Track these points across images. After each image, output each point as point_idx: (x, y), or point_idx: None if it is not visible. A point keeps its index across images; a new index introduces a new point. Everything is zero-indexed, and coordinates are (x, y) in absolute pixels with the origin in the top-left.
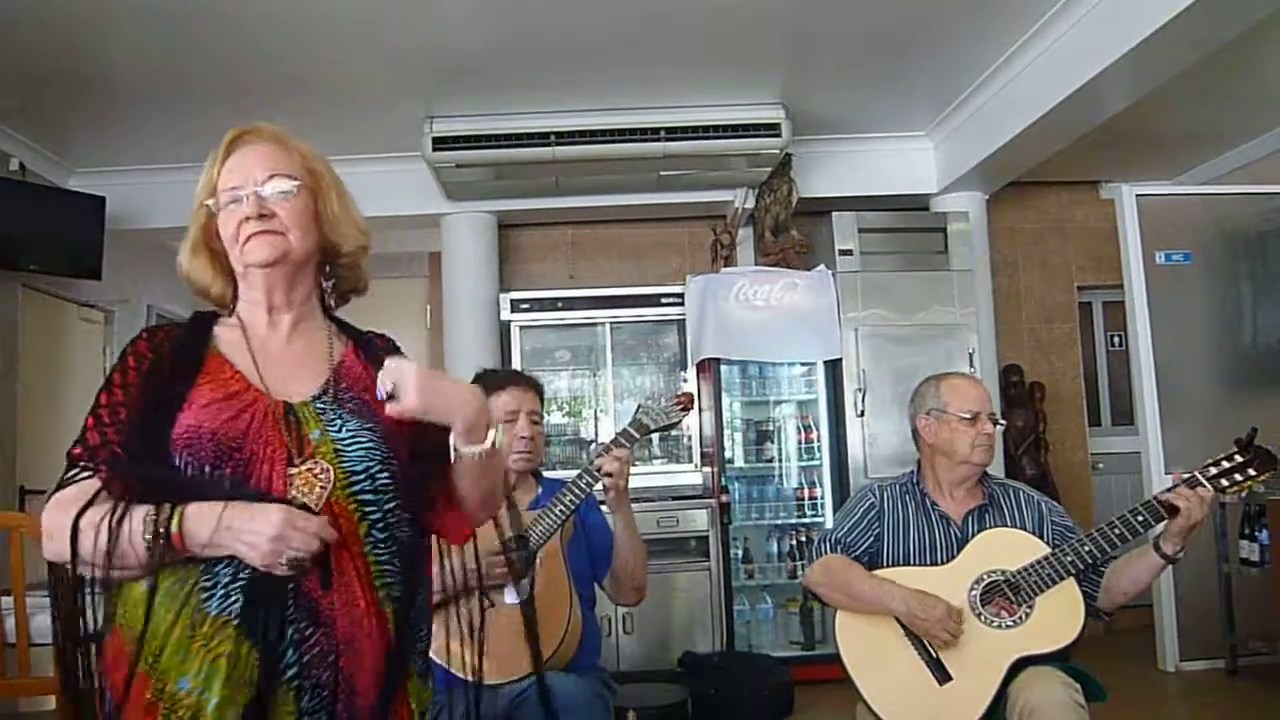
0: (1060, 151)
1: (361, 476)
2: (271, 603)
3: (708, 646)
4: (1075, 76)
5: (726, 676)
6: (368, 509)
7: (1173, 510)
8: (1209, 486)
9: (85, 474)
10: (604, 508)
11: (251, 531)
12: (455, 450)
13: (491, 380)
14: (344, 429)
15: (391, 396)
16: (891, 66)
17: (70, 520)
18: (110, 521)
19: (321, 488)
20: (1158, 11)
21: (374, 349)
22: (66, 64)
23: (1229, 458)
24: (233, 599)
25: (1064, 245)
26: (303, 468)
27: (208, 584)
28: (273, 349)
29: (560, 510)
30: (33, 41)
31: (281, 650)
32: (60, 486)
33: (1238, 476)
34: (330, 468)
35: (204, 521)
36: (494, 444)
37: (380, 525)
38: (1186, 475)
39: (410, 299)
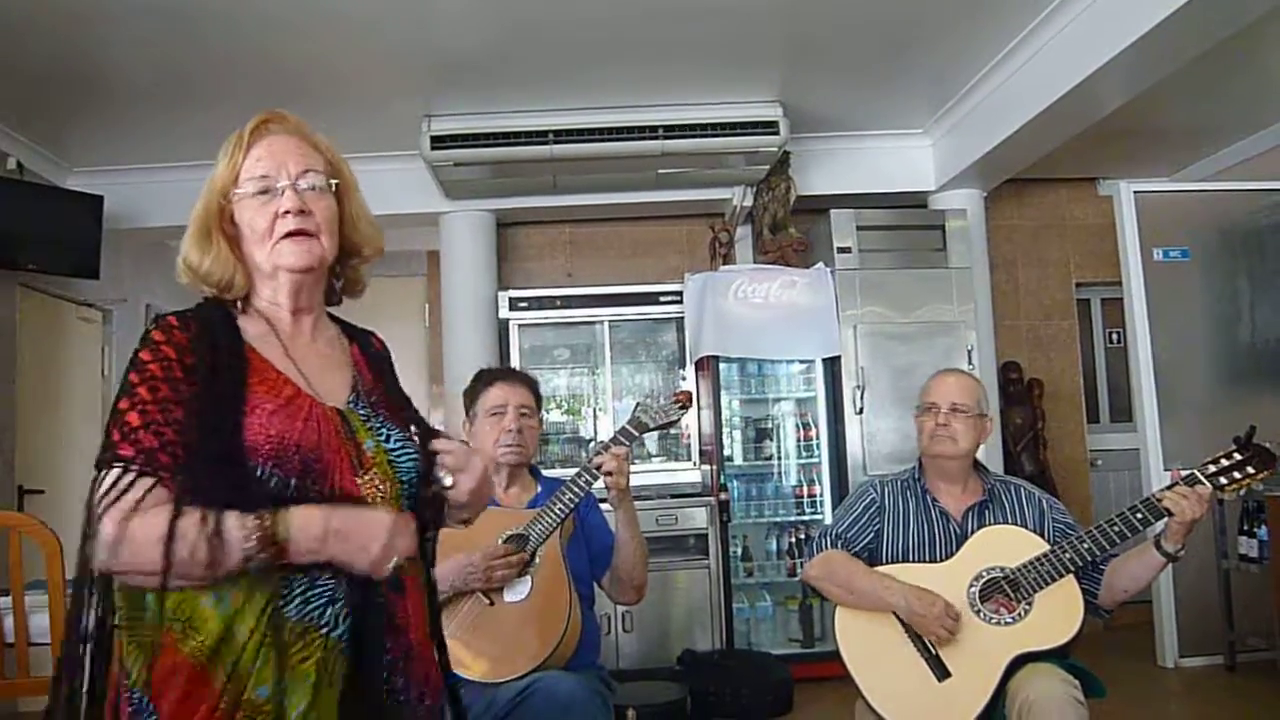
0: (1058, 148)
1: (410, 489)
2: (373, 612)
3: (707, 644)
4: (1073, 73)
5: (726, 674)
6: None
7: (1168, 511)
8: (1207, 484)
9: (144, 479)
10: (605, 506)
11: (364, 537)
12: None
13: (483, 377)
14: (391, 439)
15: (443, 484)
16: (889, 64)
17: (163, 529)
18: (208, 530)
19: (382, 499)
20: (1155, 8)
21: (374, 351)
22: (65, 63)
23: (1228, 455)
24: (313, 605)
25: (1062, 242)
26: (366, 478)
27: (284, 590)
28: (302, 349)
29: (559, 509)
30: (31, 40)
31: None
32: (108, 491)
33: (1236, 475)
34: (387, 480)
35: (311, 528)
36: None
37: (423, 537)
38: (1185, 473)
39: (409, 297)
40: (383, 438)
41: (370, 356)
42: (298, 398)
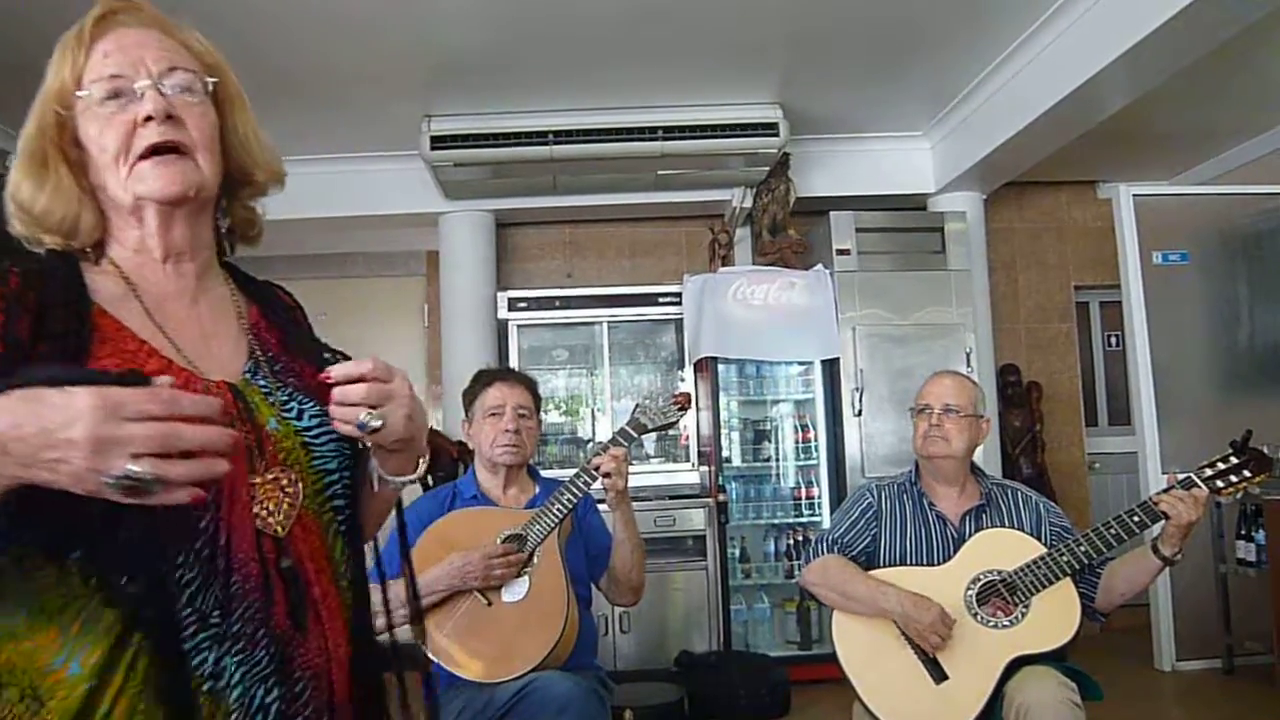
0: (1057, 151)
1: (335, 478)
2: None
3: (704, 646)
4: (1072, 77)
5: (723, 676)
6: (339, 519)
7: (1164, 514)
8: (1203, 488)
9: None
10: (603, 507)
11: (49, 427)
12: (374, 476)
13: (482, 377)
14: (305, 415)
15: (371, 428)
16: (889, 66)
17: None
18: None
19: (290, 504)
20: (1154, 12)
21: (279, 304)
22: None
23: (1224, 459)
24: (203, 653)
25: (1061, 245)
26: (267, 477)
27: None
28: (175, 310)
29: (557, 509)
30: (28, 41)
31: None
32: None
33: (1233, 478)
34: (300, 473)
35: None
36: (423, 470)
37: (350, 538)
38: (1182, 477)
39: (407, 298)
40: (291, 414)
41: (274, 314)
42: (166, 371)
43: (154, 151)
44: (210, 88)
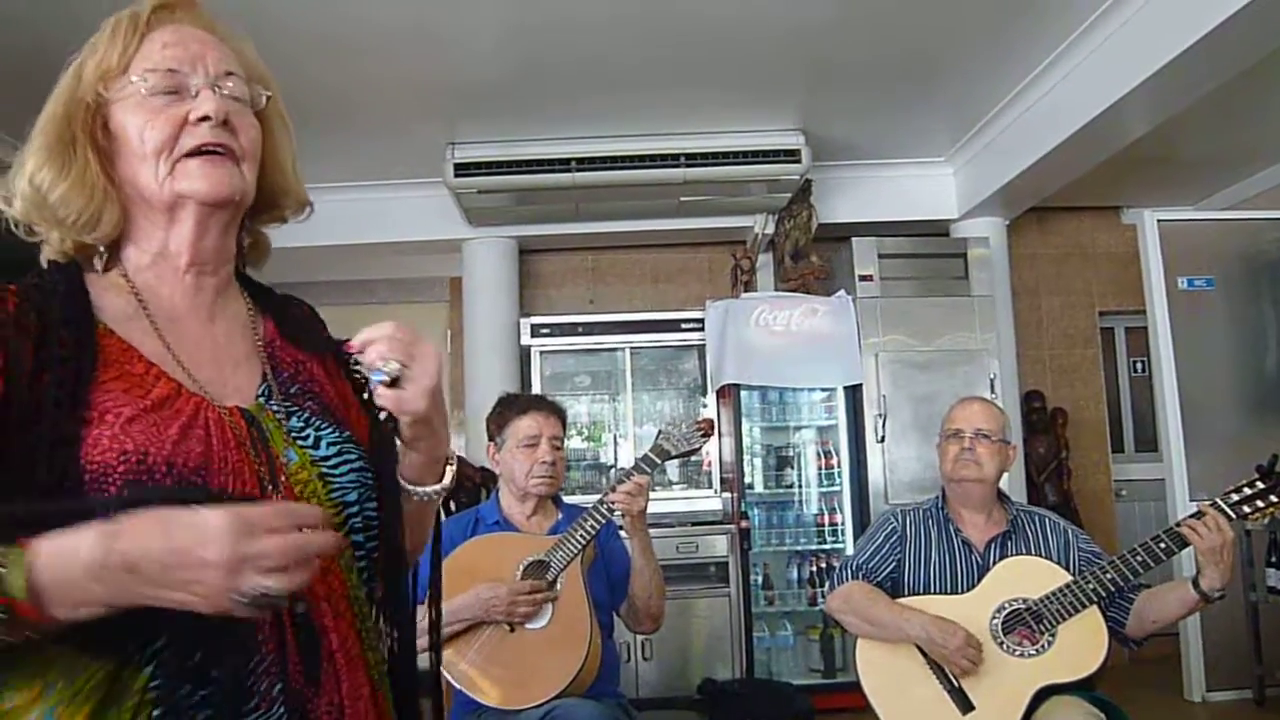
0: (1081, 177)
1: (355, 509)
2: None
3: (727, 673)
4: (1096, 102)
5: (746, 704)
6: (359, 554)
7: (1184, 538)
8: (1231, 514)
9: None
10: (623, 533)
11: (188, 560)
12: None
13: (514, 404)
14: (323, 443)
15: (394, 382)
16: (911, 92)
17: None
18: None
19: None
20: (1179, 37)
21: (300, 317)
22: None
23: (1250, 484)
24: (210, 713)
25: (1085, 271)
26: None
27: (160, 693)
28: (188, 328)
29: (580, 536)
30: (44, 65)
31: None
32: None
33: (1259, 503)
34: (318, 509)
35: (70, 566)
36: (449, 482)
37: (368, 576)
38: (1208, 503)
39: (430, 323)
40: (308, 442)
41: (291, 329)
42: (177, 399)
43: (200, 151)
44: (265, 101)
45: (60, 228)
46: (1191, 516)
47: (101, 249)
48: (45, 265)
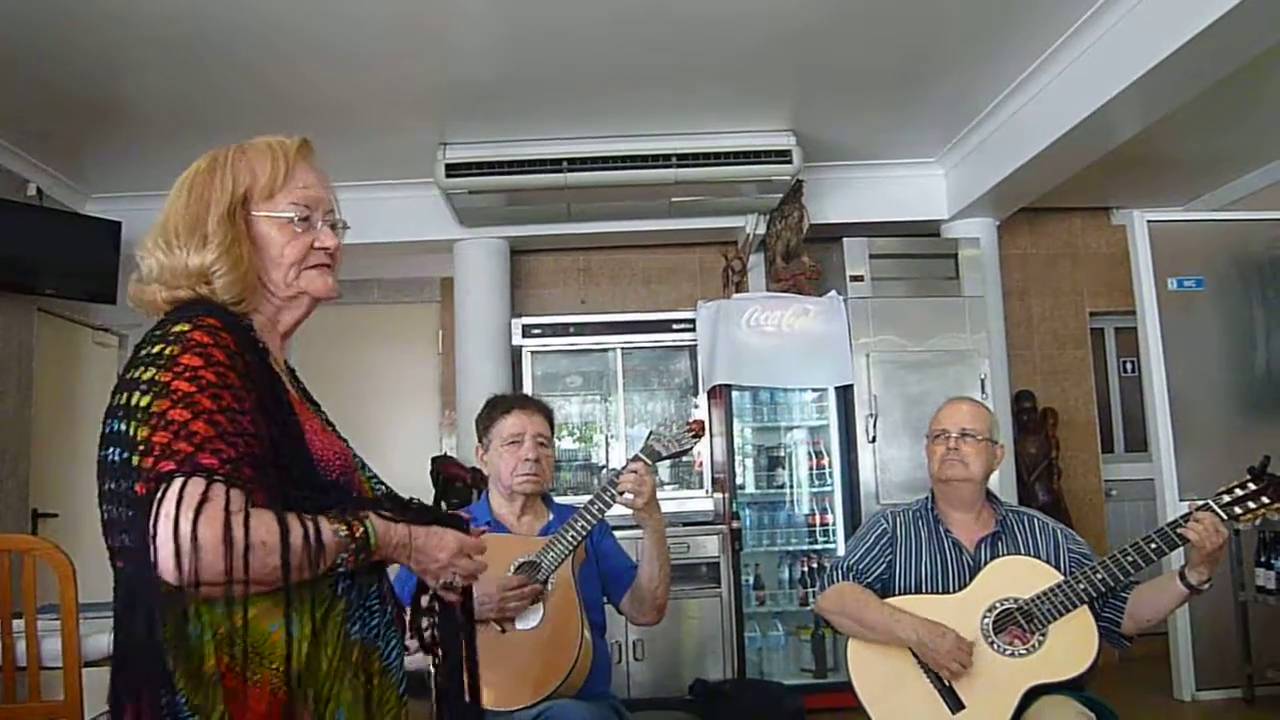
0: (1071, 178)
1: (387, 510)
2: (462, 629)
3: (719, 674)
4: (1086, 103)
5: (737, 704)
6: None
7: (1185, 540)
8: (1223, 515)
9: (235, 489)
10: (636, 532)
11: (436, 549)
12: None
13: (500, 404)
14: (365, 465)
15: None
16: (902, 93)
17: (271, 534)
18: (310, 534)
19: None
20: (1169, 38)
21: (303, 387)
22: (83, 93)
23: (1242, 485)
24: (372, 623)
25: (1075, 271)
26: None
27: (350, 612)
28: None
29: (571, 536)
30: (50, 72)
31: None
32: (202, 500)
33: (1251, 504)
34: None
35: (392, 536)
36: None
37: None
38: (1200, 503)
39: (422, 324)
40: (360, 462)
41: (303, 390)
42: (323, 422)
43: (322, 265)
44: (343, 234)
45: (195, 293)
46: (1184, 518)
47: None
48: (213, 309)
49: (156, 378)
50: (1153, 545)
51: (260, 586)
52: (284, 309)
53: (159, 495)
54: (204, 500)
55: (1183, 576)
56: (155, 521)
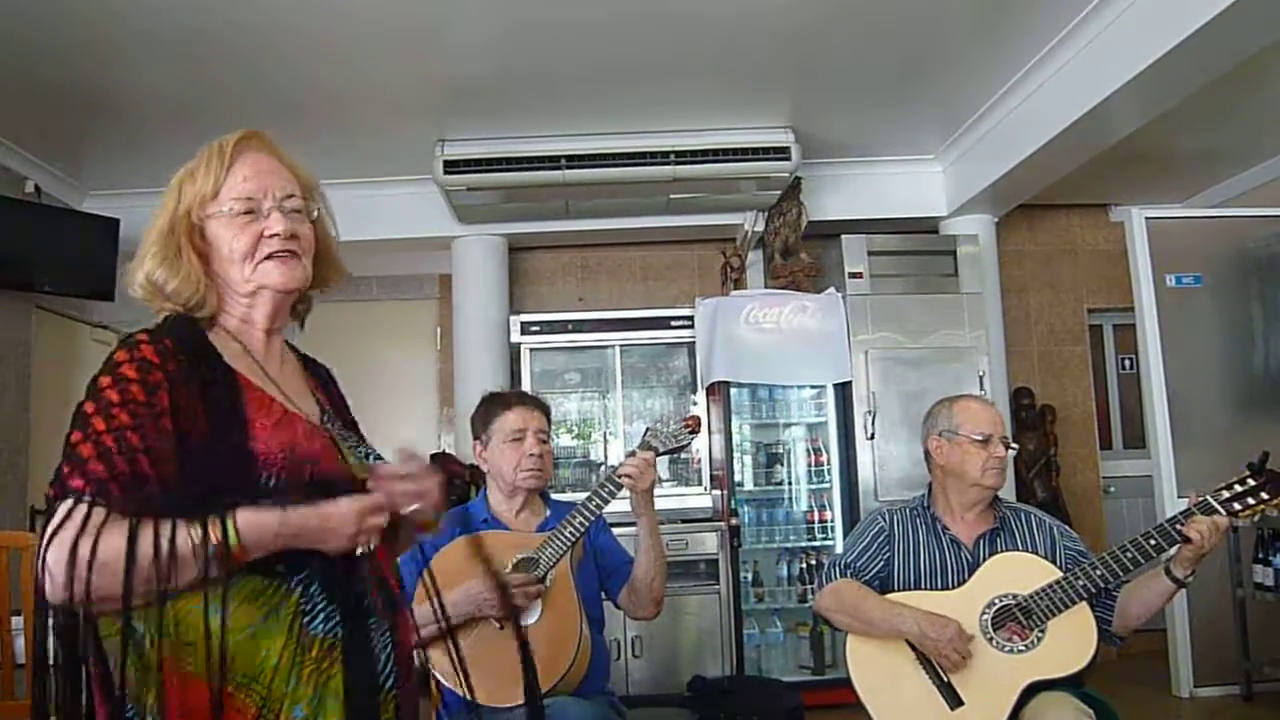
0: (1069, 174)
1: None
2: (367, 623)
3: (717, 670)
4: (1084, 99)
5: (736, 701)
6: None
7: (1186, 539)
8: (1223, 512)
9: (97, 509)
10: (632, 529)
11: (334, 522)
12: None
13: (498, 400)
14: (369, 456)
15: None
16: (900, 90)
17: (116, 552)
18: (162, 549)
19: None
20: (1167, 35)
21: (326, 375)
22: (80, 90)
23: (1241, 482)
24: (334, 621)
25: (1074, 268)
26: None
27: (306, 606)
28: (273, 369)
29: (570, 533)
30: (47, 69)
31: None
32: (60, 524)
33: (1250, 500)
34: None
35: (263, 533)
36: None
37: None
38: (1198, 500)
39: (420, 321)
40: (362, 455)
41: (323, 381)
42: (288, 415)
43: (275, 255)
44: (315, 214)
45: (175, 307)
46: (1184, 514)
47: (206, 318)
48: (171, 317)
49: (80, 405)
50: (1152, 542)
51: (110, 605)
52: (254, 306)
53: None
54: (60, 525)
55: (1168, 571)
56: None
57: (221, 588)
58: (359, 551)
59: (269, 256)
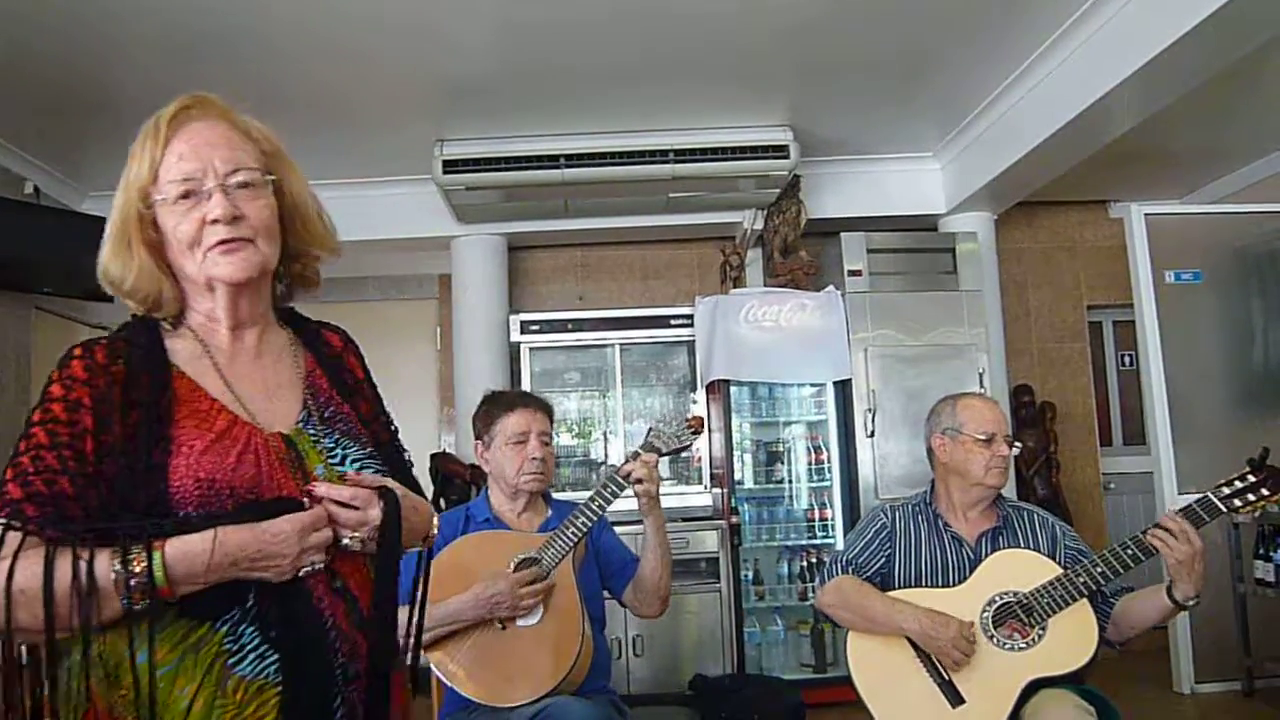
0: (1068, 171)
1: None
2: (317, 668)
3: (718, 669)
4: (1083, 96)
5: (737, 699)
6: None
7: (1154, 549)
8: (1222, 507)
9: (12, 533)
10: (636, 528)
11: (272, 545)
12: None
13: (500, 401)
14: (347, 460)
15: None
16: (899, 88)
17: (39, 575)
18: (80, 583)
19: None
20: (1165, 31)
21: (332, 351)
22: (79, 90)
23: (1241, 478)
24: (269, 660)
25: (1073, 265)
26: None
27: (232, 646)
28: (241, 367)
29: (572, 533)
30: (46, 69)
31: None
32: None
33: (1250, 496)
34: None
35: (193, 563)
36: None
37: (386, 565)
38: (1198, 496)
39: (420, 321)
40: (336, 460)
41: (327, 360)
42: (234, 429)
43: (221, 243)
44: (267, 185)
45: (137, 305)
46: (1156, 526)
47: (170, 317)
48: (130, 319)
49: (30, 414)
50: (1129, 552)
51: (31, 636)
52: (214, 301)
53: None
54: None
55: (1170, 593)
56: None
57: (147, 623)
58: (303, 572)
59: (214, 245)
